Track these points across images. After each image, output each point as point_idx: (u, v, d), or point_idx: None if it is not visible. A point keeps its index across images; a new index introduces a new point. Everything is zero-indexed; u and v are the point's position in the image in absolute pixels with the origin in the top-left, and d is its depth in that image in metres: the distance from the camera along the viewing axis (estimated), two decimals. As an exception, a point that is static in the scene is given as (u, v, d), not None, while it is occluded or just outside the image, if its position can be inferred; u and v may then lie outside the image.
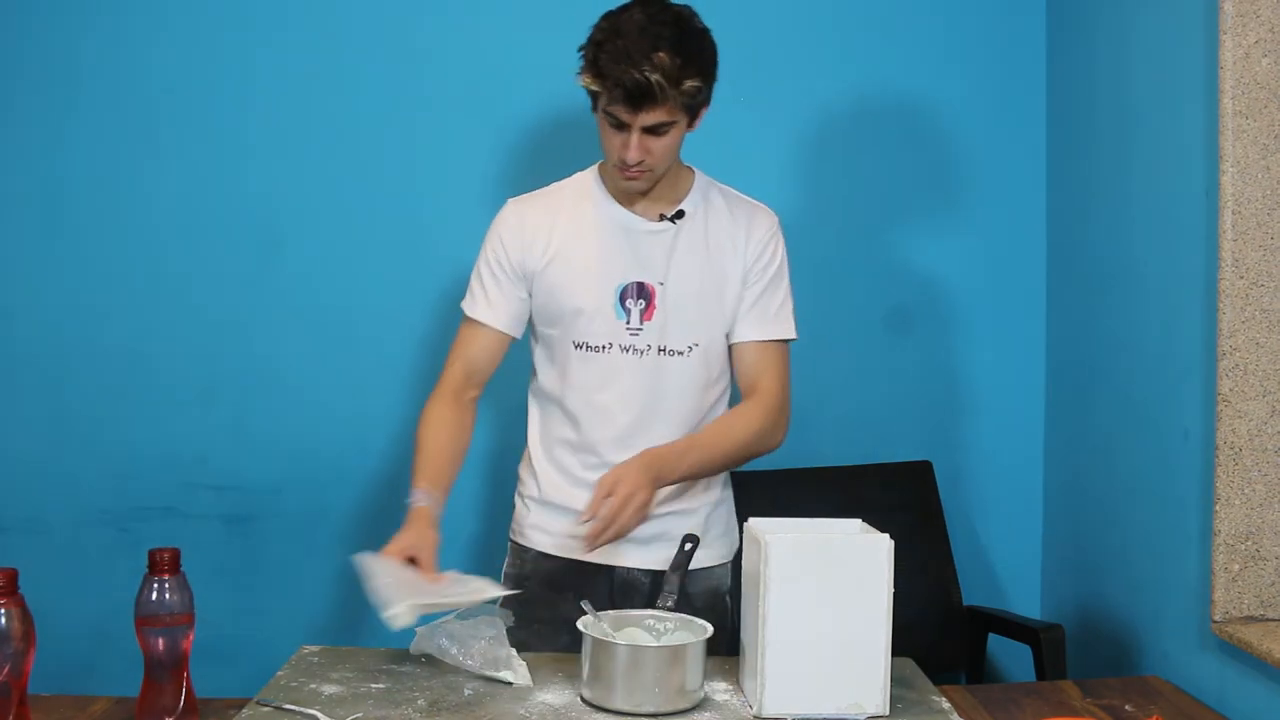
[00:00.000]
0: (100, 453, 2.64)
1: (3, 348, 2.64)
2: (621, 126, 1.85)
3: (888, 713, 1.65)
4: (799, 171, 2.74)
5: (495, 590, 1.80)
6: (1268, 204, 1.92)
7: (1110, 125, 2.45)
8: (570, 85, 2.68)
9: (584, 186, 2.04)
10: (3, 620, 1.44)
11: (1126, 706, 1.79)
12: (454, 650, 1.76)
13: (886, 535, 1.66)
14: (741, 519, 1.80)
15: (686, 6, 1.89)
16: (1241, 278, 1.92)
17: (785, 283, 2.06)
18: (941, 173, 2.76)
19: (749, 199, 2.08)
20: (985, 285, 2.78)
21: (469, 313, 2.02)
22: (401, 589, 1.71)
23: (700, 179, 2.05)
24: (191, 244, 2.65)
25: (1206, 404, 1.98)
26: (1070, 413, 2.68)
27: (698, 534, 1.95)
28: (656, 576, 1.98)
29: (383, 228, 2.67)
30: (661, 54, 1.79)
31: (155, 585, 1.55)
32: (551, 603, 2.00)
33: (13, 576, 1.47)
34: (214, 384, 2.66)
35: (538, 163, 2.59)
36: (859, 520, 1.78)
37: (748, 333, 2.03)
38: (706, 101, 1.91)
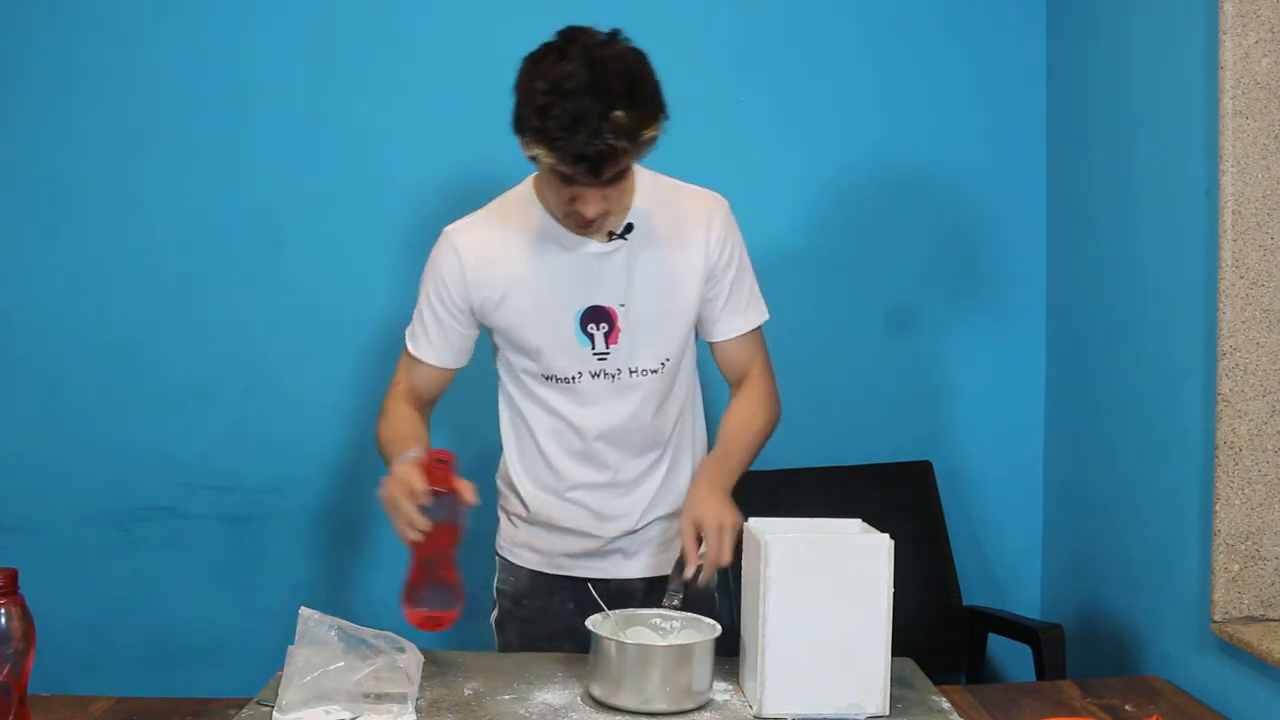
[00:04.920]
0: (100, 453, 2.64)
1: (2, 348, 2.64)
2: (574, 182, 1.71)
3: (888, 713, 1.65)
4: (799, 172, 2.74)
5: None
6: (1268, 204, 1.92)
7: (1110, 125, 2.45)
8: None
9: (525, 209, 1.89)
10: (3, 620, 1.44)
11: (1126, 706, 1.79)
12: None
13: (886, 535, 1.66)
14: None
15: (614, 38, 1.72)
16: (1241, 278, 1.92)
17: (749, 265, 1.98)
18: (941, 172, 2.76)
19: (693, 188, 1.96)
20: (985, 285, 2.78)
21: (410, 349, 1.96)
22: (311, 692, 1.64)
23: (643, 179, 1.91)
24: (191, 244, 2.65)
25: (1206, 404, 1.98)
26: (1070, 413, 2.68)
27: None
28: (650, 583, 1.99)
29: (383, 228, 2.67)
30: (617, 113, 1.63)
31: None
32: (547, 609, 2.02)
33: (13, 576, 1.46)
34: (214, 384, 2.66)
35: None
36: (859, 520, 1.78)
37: (732, 329, 1.97)
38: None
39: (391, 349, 2.64)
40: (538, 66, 1.69)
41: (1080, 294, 2.62)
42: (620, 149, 1.65)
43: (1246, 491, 1.93)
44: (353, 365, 2.68)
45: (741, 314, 1.97)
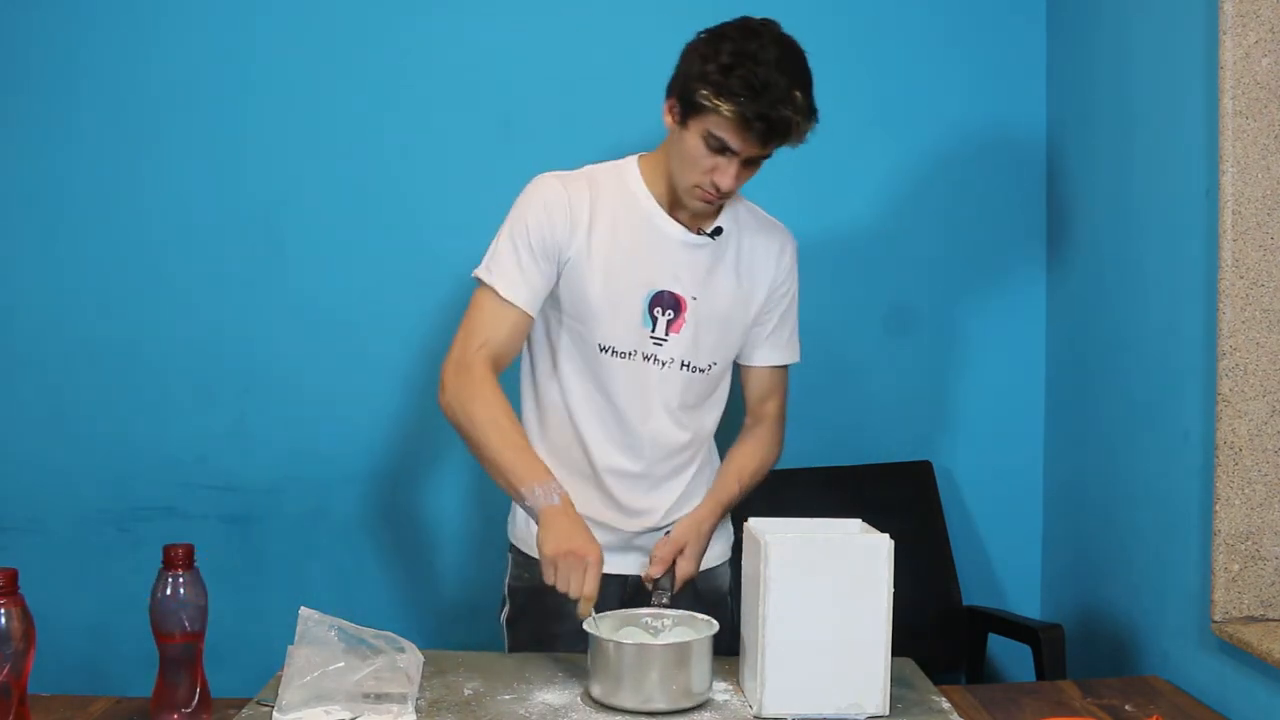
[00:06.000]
0: (100, 453, 2.64)
1: (3, 347, 2.63)
2: (724, 151, 1.77)
3: (888, 713, 1.65)
4: (798, 171, 2.73)
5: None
6: (1268, 204, 1.91)
7: (1110, 125, 2.45)
8: (576, 84, 2.68)
9: (625, 181, 1.93)
10: (3, 620, 1.44)
11: (1126, 706, 1.79)
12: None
13: (886, 535, 1.66)
14: (741, 519, 1.80)
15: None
16: (1241, 278, 1.92)
17: (797, 306, 2.08)
18: (941, 172, 2.75)
19: (771, 218, 2.06)
20: (985, 285, 2.78)
21: (501, 290, 1.84)
22: (311, 692, 1.63)
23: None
24: (191, 244, 2.65)
25: (1206, 404, 1.98)
26: (1070, 413, 2.68)
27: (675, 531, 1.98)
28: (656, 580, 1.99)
29: (383, 228, 2.67)
30: (798, 93, 1.74)
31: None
32: (564, 606, 1.98)
33: (13, 576, 1.47)
34: (214, 384, 2.66)
35: (540, 163, 2.58)
36: (859, 520, 1.78)
37: (767, 358, 2.06)
38: None
39: (392, 349, 2.67)
40: (723, 37, 1.77)
41: (1080, 294, 2.62)
42: (796, 124, 1.74)
43: (1246, 491, 1.93)
44: (352, 365, 2.68)
45: (784, 347, 2.06)
